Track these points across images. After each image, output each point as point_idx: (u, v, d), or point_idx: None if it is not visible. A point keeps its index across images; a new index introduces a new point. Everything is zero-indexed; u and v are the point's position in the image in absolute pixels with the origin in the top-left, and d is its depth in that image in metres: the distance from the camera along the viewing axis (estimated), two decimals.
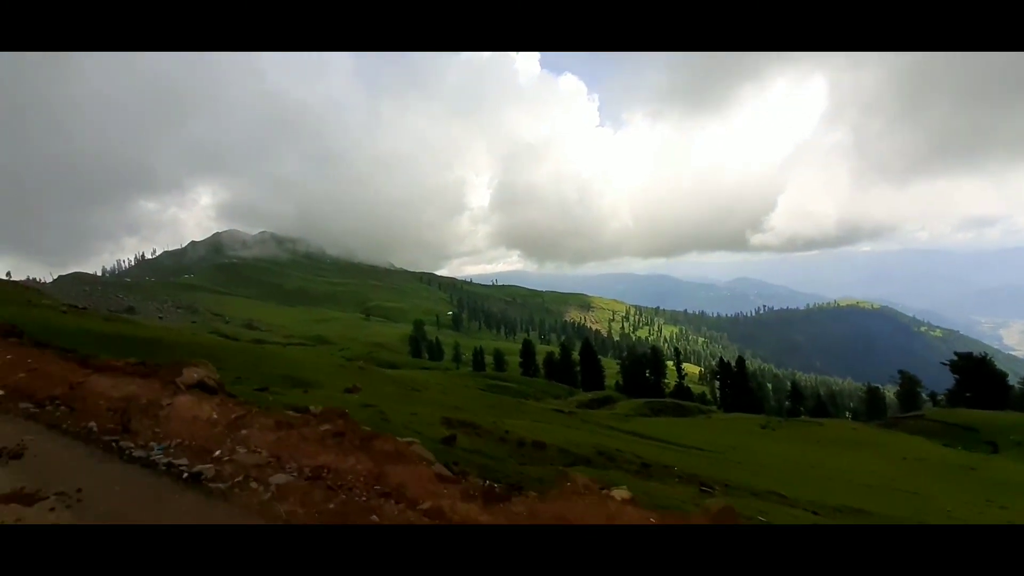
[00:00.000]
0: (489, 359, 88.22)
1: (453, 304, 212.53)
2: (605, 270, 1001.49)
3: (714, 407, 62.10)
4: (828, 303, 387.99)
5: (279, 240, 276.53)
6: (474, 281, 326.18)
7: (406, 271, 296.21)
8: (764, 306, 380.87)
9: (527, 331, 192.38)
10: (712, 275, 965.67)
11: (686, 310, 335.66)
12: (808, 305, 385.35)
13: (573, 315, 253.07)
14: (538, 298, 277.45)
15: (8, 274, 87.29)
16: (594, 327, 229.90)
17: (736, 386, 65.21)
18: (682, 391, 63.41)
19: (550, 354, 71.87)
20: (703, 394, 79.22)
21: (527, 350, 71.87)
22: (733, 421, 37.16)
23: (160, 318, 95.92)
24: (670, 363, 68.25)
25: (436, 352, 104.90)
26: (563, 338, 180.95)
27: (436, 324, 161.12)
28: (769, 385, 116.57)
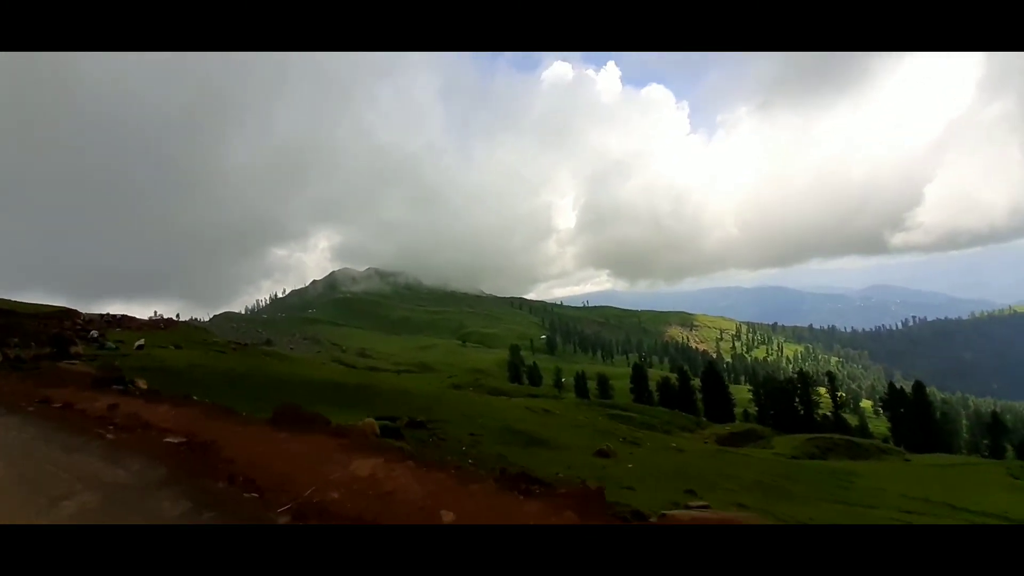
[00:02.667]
0: (592, 384, 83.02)
1: (545, 327, 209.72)
2: (706, 285, 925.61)
3: (884, 444, 50.03)
4: (1002, 309, 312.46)
5: (382, 275, 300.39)
6: (564, 303, 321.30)
7: (496, 297, 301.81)
8: (913, 317, 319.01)
9: (625, 354, 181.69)
10: (840, 284, 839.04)
11: (811, 325, 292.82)
12: (973, 313, 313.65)
13: (674, 334, 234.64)
14: (634, 318, 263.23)
15: (177, 315, 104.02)
16: (699, 347, 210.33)
17: (915, 417, 52.12)
18: (840, 424, 52.20)
19: (665, 379, 64.58)
20: (858, 427, 65.14)
21: (639, 375, 65.51)
22: (950, 468, 27.93)
23: (291, 348, 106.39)
24: (821, 389, 56.97)
25: (535, 377, 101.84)
26: (665, 360, 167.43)
27: (531, 348, 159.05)
28: (940, 414, 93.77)
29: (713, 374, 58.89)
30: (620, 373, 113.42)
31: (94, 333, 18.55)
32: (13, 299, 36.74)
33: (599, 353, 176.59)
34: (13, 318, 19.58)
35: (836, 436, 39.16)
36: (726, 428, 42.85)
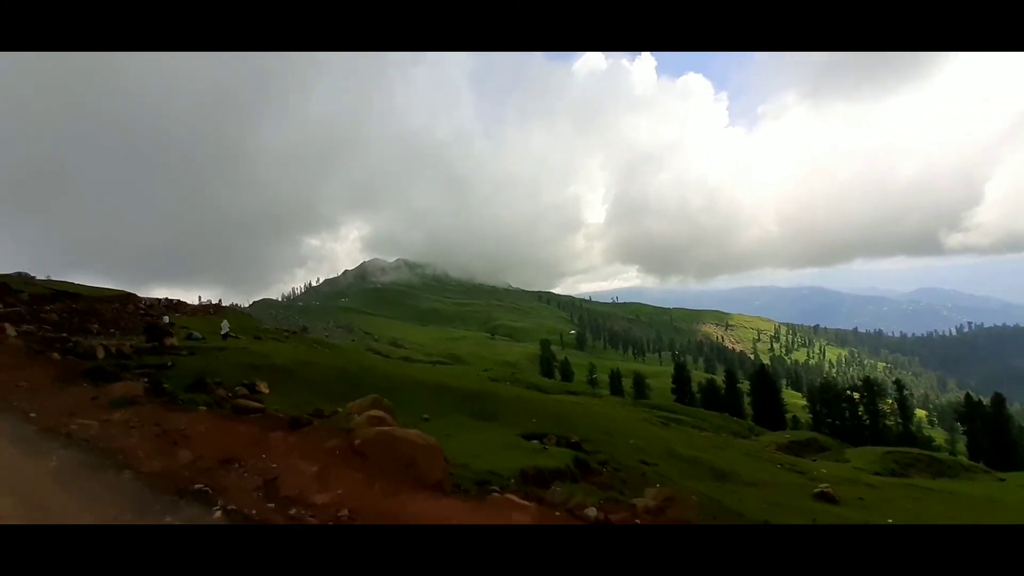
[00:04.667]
0: (627, 382, 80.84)
1: (573, 323, 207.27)
2: (739, 283, 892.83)
3: (965, 460, 46.11)
4: None
5: (411, 266, 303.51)
6: (592, 299, 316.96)
7: (523, 290, 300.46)
8: (968, 322, 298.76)
9: (657, 352, 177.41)
10: (883, 286, 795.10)
11: (856, 328, 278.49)
12: None
13: (708, 333, 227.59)
14: (665, 316, 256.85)
15: (219, 300, 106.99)
16: (735, 347, 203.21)
17: (994, 432, 47.81)
18: (909, 437, 48.40)
19: (710, 381, 61.79)
20: (922, 440, 60.55)
21: (681, 375, 62.96)
22: None
23: (327, 336, 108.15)
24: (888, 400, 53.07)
25: (567, 373, 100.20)
26: (700, 360, 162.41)
27: (560, 343, 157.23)
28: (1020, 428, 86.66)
29: (764, 377, 55.72)
30: (655, 371, 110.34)
31: (166, 319, 17.90)
32: (67, 280, 37.34)
33: (630, 350, 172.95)
34: (83, 302, 19.19)
35: (915, 451, 35.85)
36: (784, 436, 40.04)
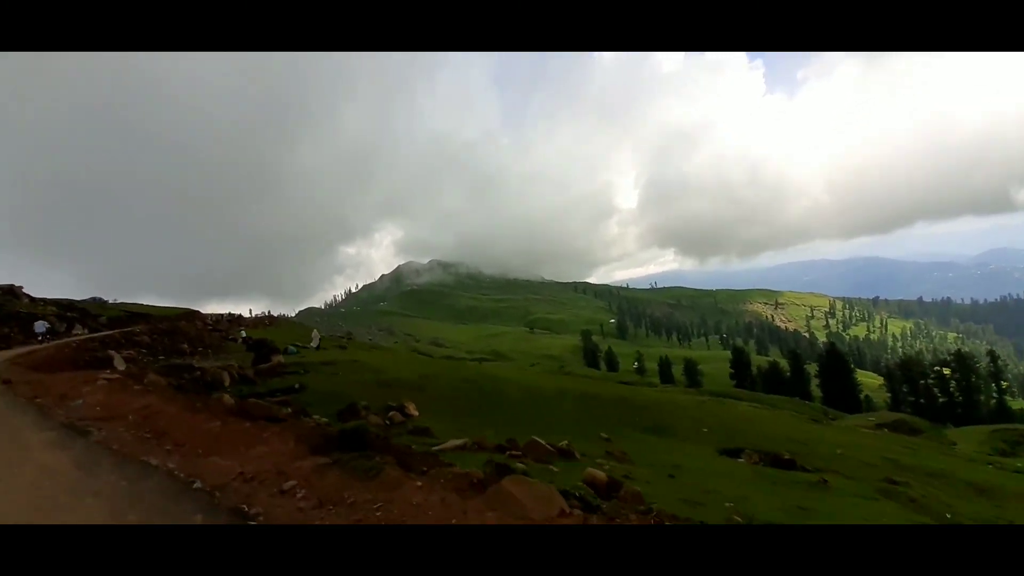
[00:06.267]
0: (677, 370, 78.13)
1: (612, 311, 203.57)
2: (785, 259, 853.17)
3: None
4: None
5: (444, 266, 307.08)
6: (629, 286, 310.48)
7: (557, 282, 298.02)
8: None
9: (703, 336, 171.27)
10: (947, 250, 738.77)
11: (920, 298, 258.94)
12: None
13: (757, 312, 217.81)
14: (708, 298, 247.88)
15: (269, 312, 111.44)
16: (787, 326, 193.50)
17: None
18: (1005, 412, 43.92)
19: (772, 364, 58.56)
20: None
21: (739, 359, 60.02)
22: None
23: (370, 339, 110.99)
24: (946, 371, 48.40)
25: (613, 363, 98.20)
26: (751, 341, 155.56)
27: (601, 333, 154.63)
28: None
29: (835, 356, 51.99)
30: (704, 356, 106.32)
31: (243, 332, 18.12)
32: (134, 302, 39.26)
33: (674, 336, 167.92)
34: (161, 322, 19.67)
35: (1021, 427, 32.27)
36: (869, 419, 36.93)
